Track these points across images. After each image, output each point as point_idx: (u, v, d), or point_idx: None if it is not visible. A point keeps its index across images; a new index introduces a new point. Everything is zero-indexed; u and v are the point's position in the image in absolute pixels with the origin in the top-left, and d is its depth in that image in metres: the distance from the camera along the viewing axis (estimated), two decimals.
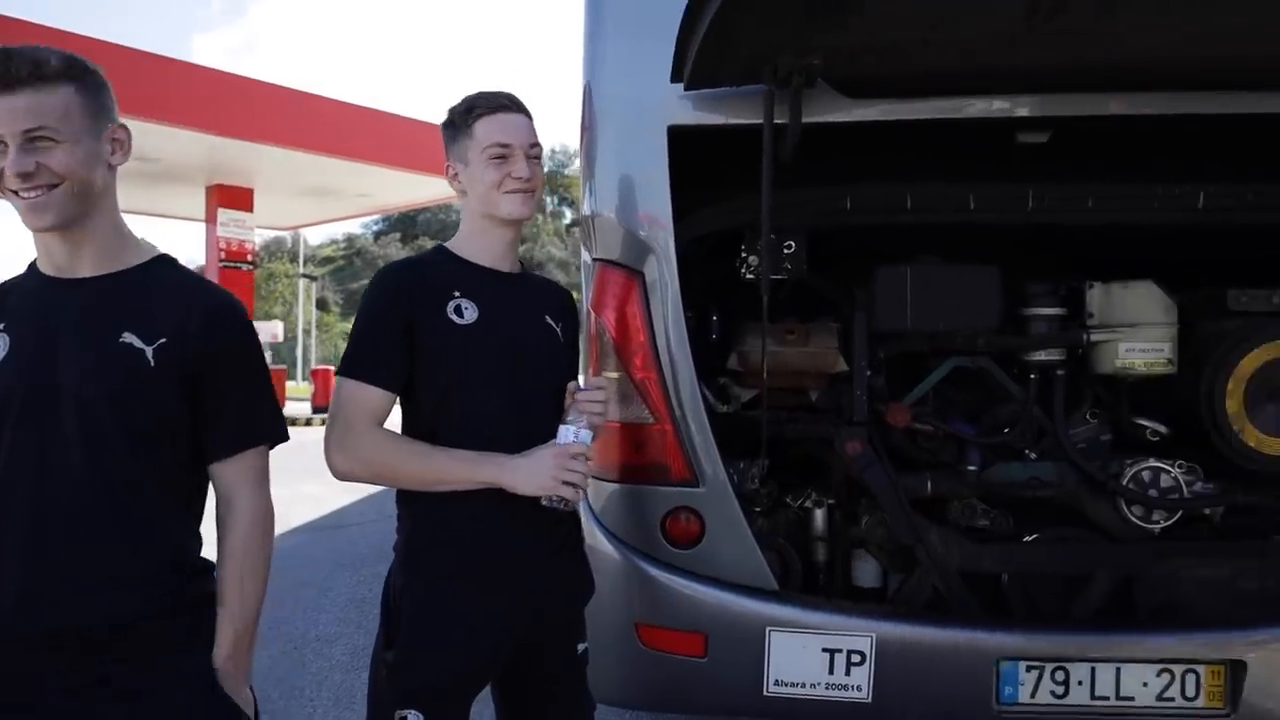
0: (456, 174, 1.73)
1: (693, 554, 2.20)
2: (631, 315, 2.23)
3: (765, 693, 2.16)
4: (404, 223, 50.62)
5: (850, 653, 2.13)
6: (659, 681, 2.23)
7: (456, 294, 1.64)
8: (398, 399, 1.63)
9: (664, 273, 2.21)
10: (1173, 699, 2.13)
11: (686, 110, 2.20)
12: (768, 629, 2.15)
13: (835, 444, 2.38)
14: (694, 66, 1.92)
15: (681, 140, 2.21)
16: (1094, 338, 2.40)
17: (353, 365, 1.59)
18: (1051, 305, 2.45)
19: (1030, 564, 2.40)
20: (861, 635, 2.13)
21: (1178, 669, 2.12)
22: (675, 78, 2.04)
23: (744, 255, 2.43)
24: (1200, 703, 2.12)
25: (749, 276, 2.42)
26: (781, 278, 2.47)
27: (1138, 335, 2.36)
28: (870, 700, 2.12)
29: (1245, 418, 2.30)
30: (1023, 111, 2.22)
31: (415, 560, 1.61)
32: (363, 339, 1.61)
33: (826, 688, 2.14)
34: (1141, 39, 1.90)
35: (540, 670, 1.70)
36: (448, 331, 1.61)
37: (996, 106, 2.20)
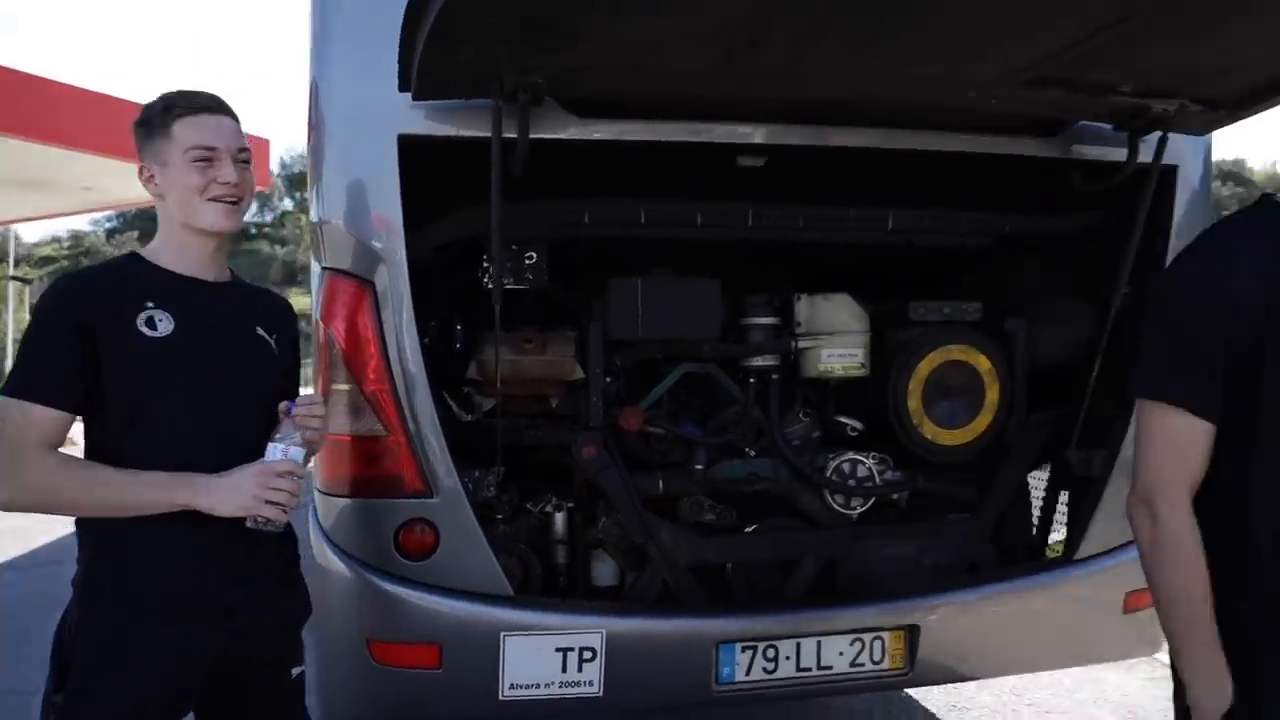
0: (153, 175, 1.62)
1: (427, 565, 2.18)
2: (362, 326, 2.18)
3: (501, 697, 2.19)
4: (142, 220, 45.62)
5: (582, 650, 2.21)
6: (392, 697, 2.19)
7: (149, 304, 1.53)
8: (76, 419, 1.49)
9: (396, 282, 2.18)
10: (863, 664, 2.41)
11: (418, 119, 2.18)
12: (502, 634, 2.18)
13: (572, 449, 2.47)
14: (418, 77, 1.92)
15: (416, 149, 2.19)
16: (801, 345, 2.66)
17: (17, 383, 1.44)
18: (766, 315, 2.68)
19: (750, 553, 2.61)
20: (593, 632, 2.22)
21: (867, 637, 2.40)
22: (403, 87, 2.03)
23: (486, 265, 2.46)
24: (885, 665, 2.42)
25: (491, 286, 2.45)
26: (523, 288, 2.52)
27: (836, 342, 2.65)
28: (601, 694, 2.22)
29: (924, 414, 2.64)
30: (738, 138, 2.40)
31: (95, 590, 1.49)
32: (31, 355, 1.46)
33: (560, 686, 2.21)
34: (834, 79, 2.14)
35: (249, 698, 1.62)
36: (137, 344, 1.49)
37: (715, 131, 2.36)
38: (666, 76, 2.04)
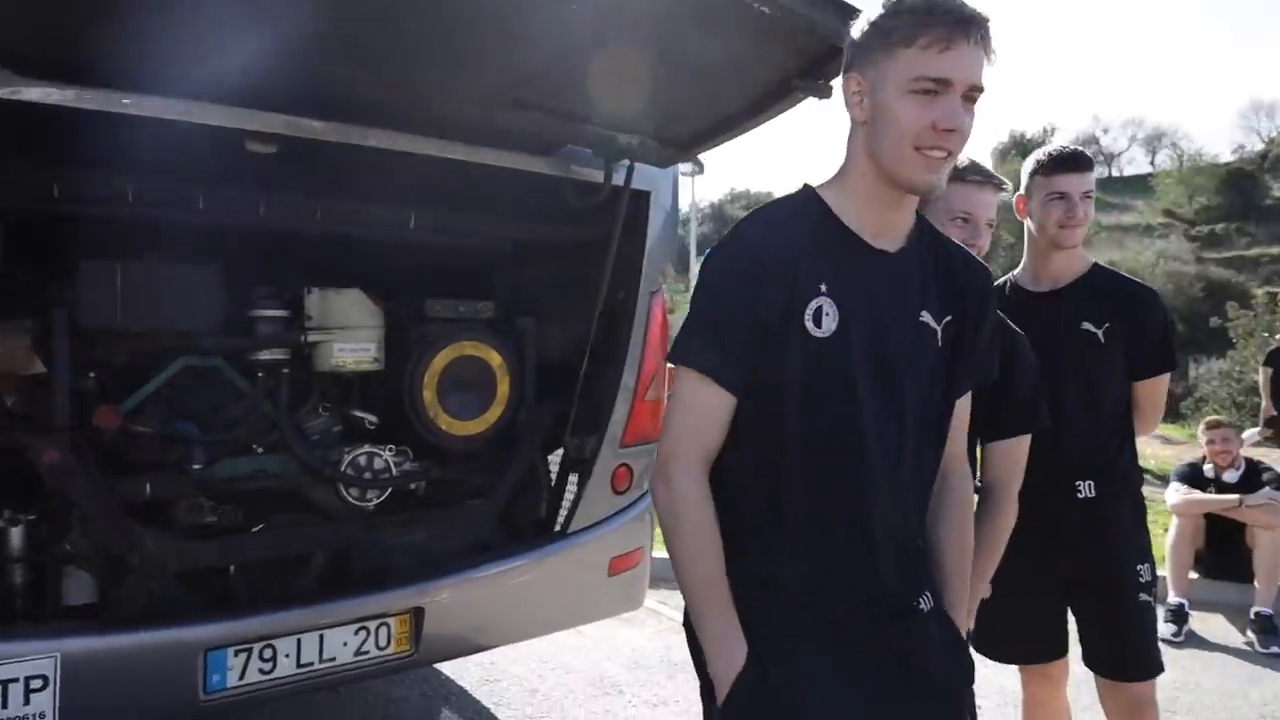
0: None
1: None
2: None
3: None
4: None
5: (29, 679, 1.96)
6: None
7: None
8: None
9: None
10: (369, 651, 2.46)
11: None
12: None
13: (30, 453, 2.17)
14: None
15: None
16: (311, 338, 2.63)
17: None
18: (275, 308, 2.60)
19: (253, 553, 2.52)
20: (44, 658, 1.98)
21: (373, 624, 2.46)
22: None
23: None
24: (390, 649, 2.50)
25: None
26: None
27: (348, 336, 2.66)
28: None
29: (439, 406, 2.77)
30: (235, 123, 2.28)
31: None
32: None
33: None
34: (328, 77, 2.14)
35: None
36: None
37: (204, 112, 2.21)
38: (130, 44, 1.89)
